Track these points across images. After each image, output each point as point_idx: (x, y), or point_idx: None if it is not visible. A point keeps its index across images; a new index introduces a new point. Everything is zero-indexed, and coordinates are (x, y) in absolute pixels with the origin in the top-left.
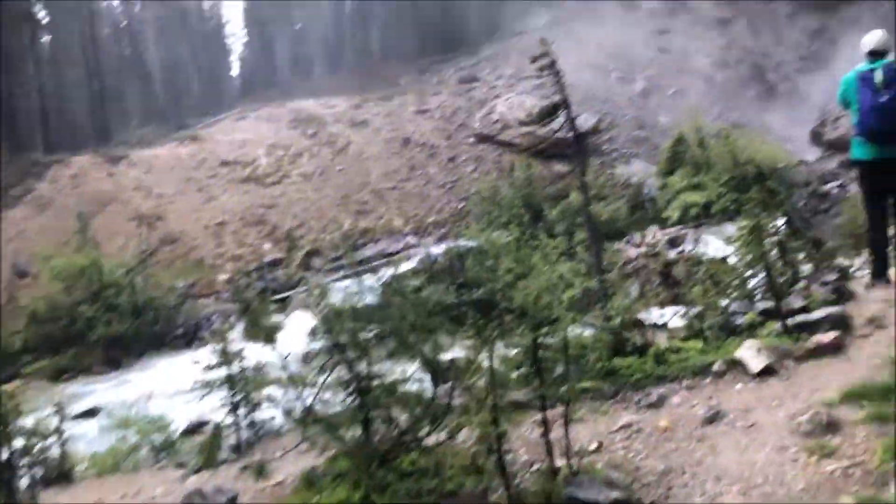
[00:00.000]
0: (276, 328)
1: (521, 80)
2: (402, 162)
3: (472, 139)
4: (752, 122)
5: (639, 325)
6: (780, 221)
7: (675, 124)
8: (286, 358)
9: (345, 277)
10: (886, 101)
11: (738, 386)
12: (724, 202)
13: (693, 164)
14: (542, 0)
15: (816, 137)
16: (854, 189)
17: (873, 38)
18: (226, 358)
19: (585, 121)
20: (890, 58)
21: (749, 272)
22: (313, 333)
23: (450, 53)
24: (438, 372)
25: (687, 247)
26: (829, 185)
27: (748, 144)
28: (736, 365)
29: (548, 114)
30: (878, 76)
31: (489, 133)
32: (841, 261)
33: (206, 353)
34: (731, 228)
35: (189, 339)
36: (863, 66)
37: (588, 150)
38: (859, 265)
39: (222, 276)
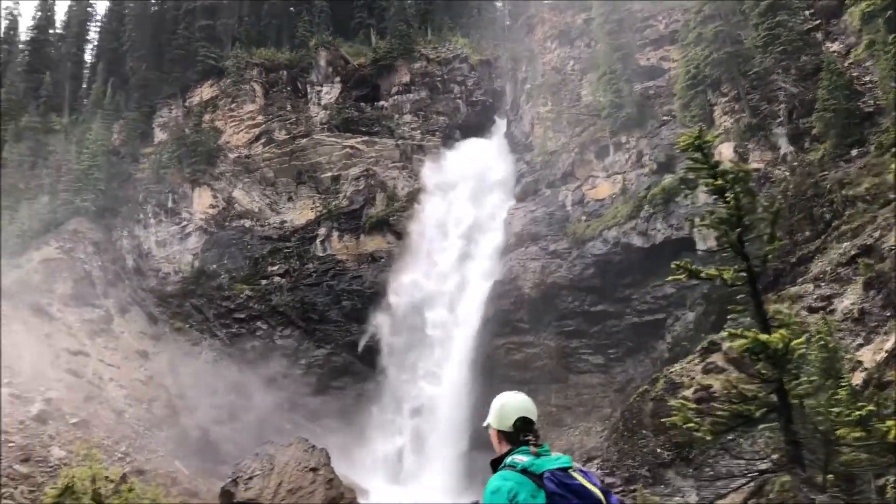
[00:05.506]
0: None
1: None
2: None
3: None
4: (161, 467)
5: None
6: None
7: (70, 460)
8: None
9: None
10: None
11: None
12: None
13: None
14: None
15: (227, 496)
16: None
17: (526, 402)
18: None
19: None
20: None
21: None
22: None
23: None
24: None
25: None
26: None
27: (154, 500)
28: None
29: None
30: (589, 485)
31: None
32: None
33: None
34: None
35: None
36: (545, 459)
37: None
38: None
39: None
